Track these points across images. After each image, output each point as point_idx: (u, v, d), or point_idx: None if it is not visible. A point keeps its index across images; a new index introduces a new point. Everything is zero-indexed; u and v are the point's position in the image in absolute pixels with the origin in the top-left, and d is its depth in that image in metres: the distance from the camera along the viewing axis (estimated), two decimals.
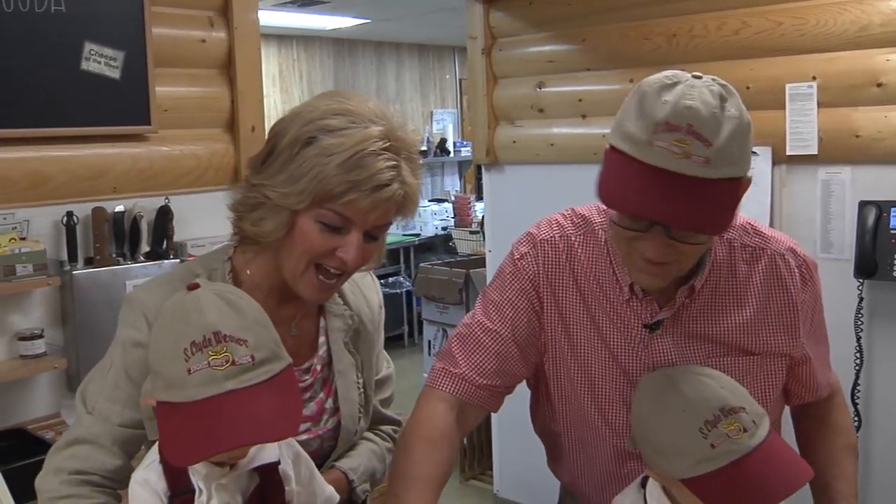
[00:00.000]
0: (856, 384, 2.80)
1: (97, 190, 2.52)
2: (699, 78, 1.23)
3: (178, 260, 2.61)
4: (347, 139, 1.23)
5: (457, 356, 1.46)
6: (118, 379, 1.34)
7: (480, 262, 5.08)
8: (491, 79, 3.90)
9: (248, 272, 1.39)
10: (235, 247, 1.40)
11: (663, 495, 1.34)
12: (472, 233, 7.10)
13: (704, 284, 1.41)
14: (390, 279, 7.22)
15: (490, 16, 3.83)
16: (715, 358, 1.41)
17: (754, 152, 2.97)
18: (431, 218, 7.55)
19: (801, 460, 1.28)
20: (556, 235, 1.48)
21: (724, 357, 1.41)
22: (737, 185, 1.22)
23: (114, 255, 2.53)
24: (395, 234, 7.55)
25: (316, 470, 1.35)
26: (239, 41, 2.77)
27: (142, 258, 2.58)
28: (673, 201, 1.17)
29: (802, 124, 2.93)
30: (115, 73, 2.48)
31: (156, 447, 1.24)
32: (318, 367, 1.45)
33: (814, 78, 2.89)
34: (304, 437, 1.41)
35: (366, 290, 1.56)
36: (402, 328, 7.23)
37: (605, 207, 1.46)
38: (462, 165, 9.17)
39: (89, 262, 2.50)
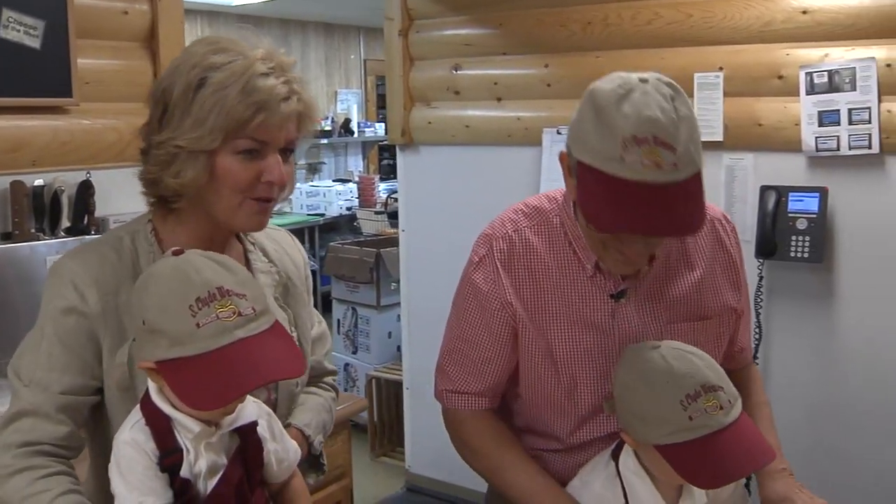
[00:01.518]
0: (754, 358, 2.99)
1: (16, 163, 2.44)
2: (646, 82, 1.32)
3: (99, 236, 2.56)
4: (236, 68, 1.28)
5: (452, 376, 1.63)
6: (52, 348, 1.34)
7: (389, 241, 5.14)
8: (407, 60, 3.93)
9: (170, 233, 1.41)
10: (155, 211, 1.42)
11: (639, 466, 1.43)
12: (376, 213, 7.13)
13: (658, 254, 1.53)
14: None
15: None
16: (674, 323, 1.54)
17: None
18: (336, 198, 7.53)
19: (765, 442, 1.39)
20: (510, 230, 1.58)
21: (682, 322, 1.55)
22: (701, 177, 1.33)
23: (33, 231, 2.47)
24: (299, 213, 7.53)
25: (283, 428, 1.39)
26: (162, 14, 2.72)
27: (62, 233, 2.52)
28: (655, 213, 1.28)
29: (709, 112, 3.09)
30: (35, 43, 2.41)
31: (137, 409, 1.26)
32: None
33: (720, 68, 3.04)
34: None
35: (288, 248, 1.62)
36: None
37: (553, 195, 1.59)
38: (366, 146, 9.17)
39: (7, 238, 2.43)
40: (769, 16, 2.93)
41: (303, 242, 7.26)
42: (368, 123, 8.96)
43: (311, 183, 8.06)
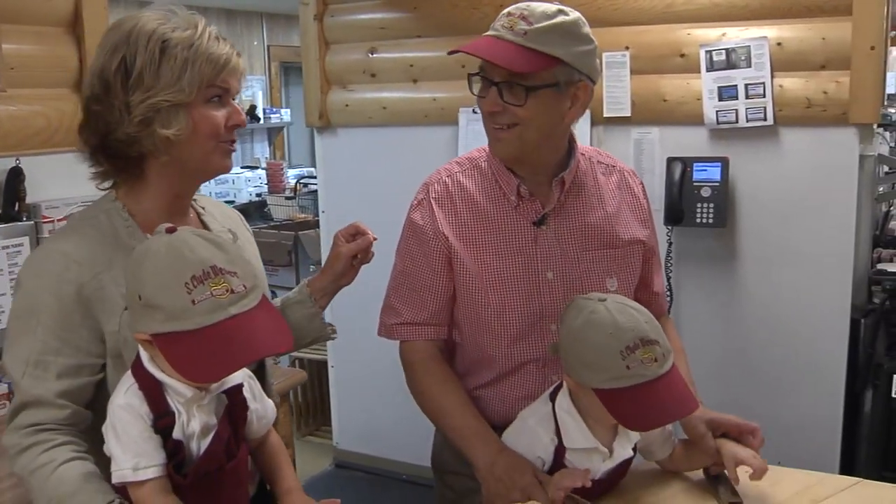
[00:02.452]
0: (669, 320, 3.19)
1: None
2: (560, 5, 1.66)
3: (31, 223, 2.56)
4: (192, 32, 1.44)
5: (399, 308, 1.83)
6: (46, 334, 1.40)
7: (303, 225, 5.19)
8: (323, 44, 3.98)
9: (139, 204, 1.51)
10: (116, 189, 1.52)
11: (572, 406, 1.57)
12: (287, 199, 7.13)
13: (573, 186, 1.76)
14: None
15: None
16: (589, 250, 1.76)
17: None
18: (245, 185, 7.49)
19: (691, 393, 1.54)
20: (444, 176, 1.83)
21: (596, 250, 1.77)
22: (551, 61, 1.60)
23: None
24: None
25: (261, 388, 1.48)
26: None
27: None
28: (491, 48, 1.60)
29: (617, 89, 3.27)
30: None
31: (128, 375, 1.33)
32: None
33: (627, 48, 3.23)
34: None
35: (226, 210, 1.78)
36: None
37: (484, 147, 1.80)
38: (272, 132, 9.13)
39: None
40: None
41: None
42: (274, 109, 8.91)
43: None
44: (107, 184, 1.53)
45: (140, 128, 1.42)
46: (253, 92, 8.93)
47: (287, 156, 9.43)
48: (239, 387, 1.40)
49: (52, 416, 1.39)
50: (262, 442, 1.50)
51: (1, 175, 2.53)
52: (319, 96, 4.01)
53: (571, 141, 1.79)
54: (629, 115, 3.26)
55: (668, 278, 3.18)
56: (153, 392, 1.31)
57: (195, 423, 1.32)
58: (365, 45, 3.87)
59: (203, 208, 1.67)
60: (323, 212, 4.20)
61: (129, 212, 1.50)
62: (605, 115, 3.30)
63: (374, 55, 3.86)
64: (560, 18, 1.62)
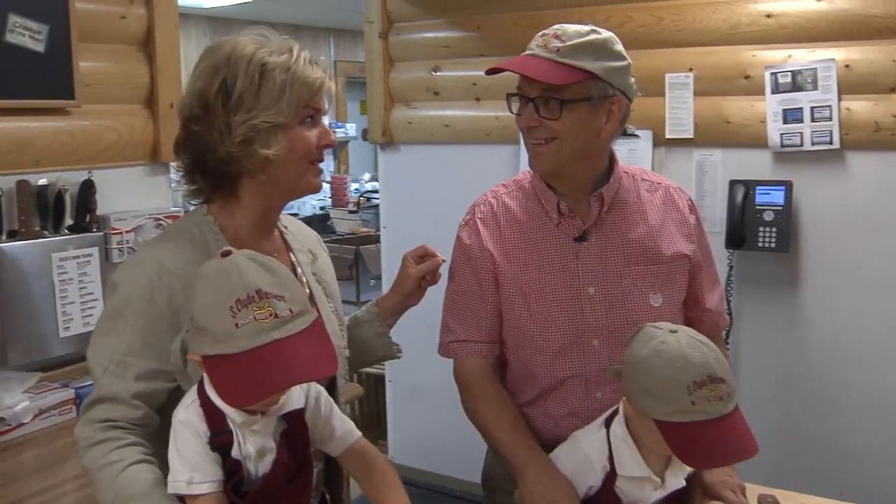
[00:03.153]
0: (725, 343, 3.14)
1: (19, 163, 2.51)
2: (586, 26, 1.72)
3: (101, 233, 2.65)
4: (288, 56, 1.50)
5: (452, 326, 1.88)
6: (132, 336, 1.45)
7: (365, 240, 5.25)
8: (387, 62, 4.04)
9: (230, 220, 1.56)
10: (208, 204, 1.58)
11: (628, 434, 1.56)
12: (350, 212, 7.22)
13: (615, 202, 1.78)
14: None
15: (387, 1, 3.97)
16: (632, 266, 1.77)
17: (634, 133, 3.27)
18: (309, 198, 7.61)
19: (751, 436, 1.50)
20: (490, 197, 1.90)
21: (639, 265, 1.78)
22: (584, 75, 1.64)
23: (38, 229, 2.54)
24: None
25: (335, 407, 1.50)
26: (158, 19, 2.80)
27: (66, 231, 2.60)
28: (529, 66, 1.66)
29: (680, 111, 3.24)
30: (39, 47, 2.48)
31: (194, 390, 1.36)
32: (307, 291, 1.64)
33: (690, 69, 3.20)
34: None
35: (303, 228, 1.83)
36: None
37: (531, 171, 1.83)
38: (337, 146, 9.23)
39: (14, 235, 2.50)
40: (736, 19, 3.09)
41: None
42: (339, 124, 9.03)
43: None
44: (198, 199, 1.60)
45: (241, 147, 1.48)
46: None
47: (350, 169, 9.54)
48: (299, 411, 1.41)
49: (125, 415, 1.44)
50: (349, 452, 1.50)
51: (73, 187, 2.62)
52: (383, 113, 4.06)
53: (612, 159, 1.82)
54: (692, 136, 3.23)
55: (728, 302, 3.13)
56: (213, 410, 1.33)
57: (250, 445, 1.34)
58: (429, 63, 3.92)
59: (286, 227, 1.72)
60: (384, 227, 4.25)
61: (220, 226, 1.56)
62: (667, 137, 3.27)
63: (438, 73, 3.90)
64: (592, 37, 1.68)
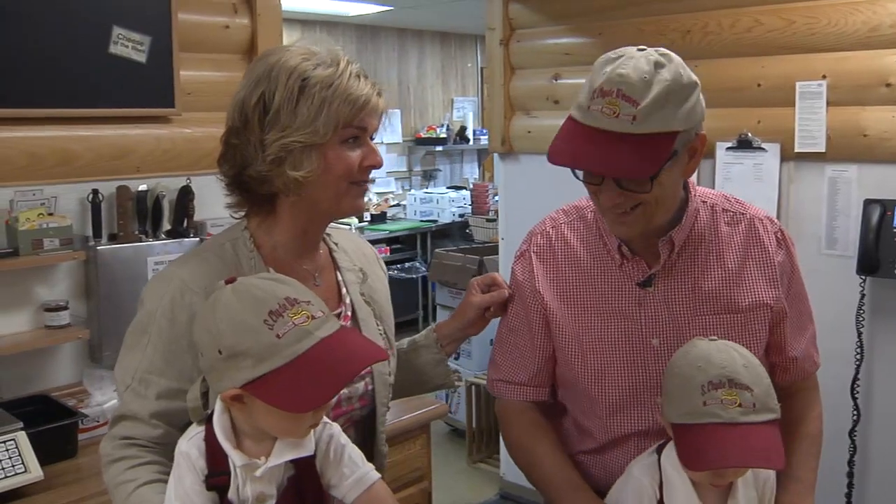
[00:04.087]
0: (855, 379, 2.86)
1: (121, 169, 2.60)
2: (643, 50, 1.41)
3: (197, 238, 2.70)
4: (333, 70, 1.41)
5: (500, 364, 1.73)
6: (154, 353, 1.41)
7: (495, 248, 5.15)
8: (508, 69, 3.96)
9: (268, 237, 1.50)
10: (248, 218, 1.52)
11: (677, 460, 1.43)
12: (488, 220, 7.15)
13: (688, 242, 1.56)
14: (406, 264, 7.30)
15: (509, 7, 3.89)
16: (703, 315, 1.56)
17: (760, 147, 3.03)
18: (449, 205, 7.62)
19: (774, 451, 1.35)
20: (548, 227, 1.69)
21: (711, 315, 1.56)
22: (670, 138, 1.38)
23: (136, 233, 2.62)
24: (412, 219, 7.65)
25: (349, 449, 1.38)
26: (262, 27, 2.84)
27: (163, 236, 2.67)
28: (603, 153, 1.36)
29: (811, 122, 2.98)
30: (141, 57, 2.56)
31: (193, 427, 1.31)
32: (348, 314, 1.58)
33: (824, 77, 2.94)
34: None
35: (360, 245, 1.73)
36: (416, 312, 7.32)
37: None
38: (481, 153, 9.22)
39: (113, 238, 2.59)
40: (876, 20, 2.81)
41: (414, 248, 7.42)
42: (484, 130, 8.99)
43: (425, 190, 8.18)
44: (241, 212, 1.55)
45: (271, 167, 1.41)
46: (464, 113, 9.07)
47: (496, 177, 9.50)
48: (309, 459, 1.32)
49: (144, 433, 1.42)
50: (366, 497, 1.40)
51: (172, 193, 2.68)
52: (503, 122, 3.98)
53: (687, 189, 1.59)
54: (824, 150, 2.96)
55: (860, 334, 2.84)
56: (216, 447, 1.28)
57: (249, 490, 1.28)
58: (549, 70, 3.80)
59: (336, 244, 1.65)
60: (503, 239, 4.16)
61: (257, 243, 1.50)
62: (796, 151, 3.02)
63: (558, 81, 3.78)
64: (662, 77, 1.35)
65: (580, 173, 1.45)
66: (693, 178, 1.62)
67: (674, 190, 1.50)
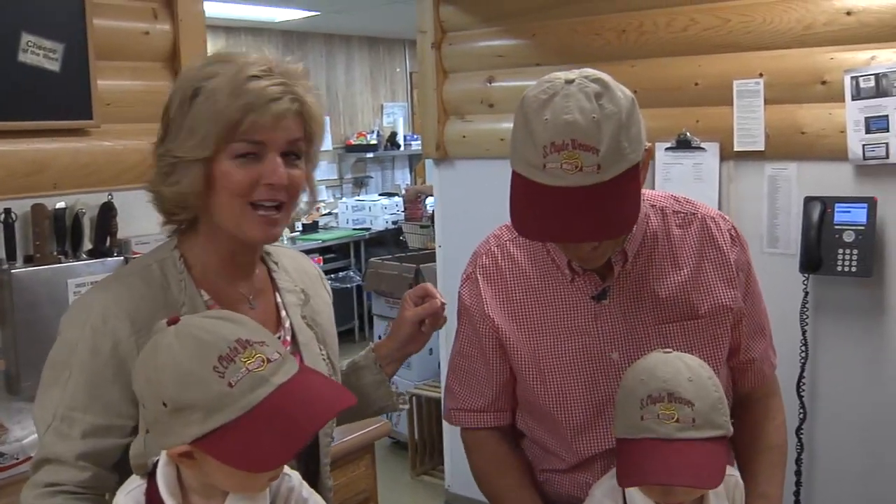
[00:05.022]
0: (801, 377, 2.85)
1: (37, 186, 2.42)
2: (571, 82, 1.28)
3: (121, 258, 2.54)
4: (227, 75, 1.27)
5: (456, 392, 1.65)
6: (76, 388, 1.29)
7: (431, 256, 5.07)
8: (441, 73, 3.87)
9: (197, 257, 1.39)
10: (179, 237, 1.41)
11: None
12: (422, 227, 7.07)
13: (641, 250, 1.50)
14: (340, 273, 7.16)
15: (440, 10, 3.81)
16: (662, 324, 1.49)
17: (699, 146, 3.00)
18: (382, 212, 7.51)
19: (712, 470, 1.29)
20: (493, 246, 1.60)
21: (670, 323, 1.50)
22: (635, 172, 1.30)
23: (55, 253, 2.45)
24: (344, 228, 7.52)
25: (311, 492, 1.30)
26: (184, 33, 2.70)
27: (84, 256, 2.50)
28: (577, 217, 1.26)
29: (749, 121, 2.97)
30: (54, 66, 2.40)
31: (133, 478, 1.19)
32: (287, 338, 1.47)
33: (760, 75, 2.93)
34: None
35: (304, 264, 1.63)
36: (352, 322, 7.19)
37: None
38: (413, 159, 9.14)
39: (29, 261, 2.42)
40: (811, 18, 2.81)
41: (348, 257, 7.29)
42: (415, 136, 8.91)
43: (357, 197, 8.05)
44: (171, 230, 1.43)
45: (158, 182, 1.33)
46: (394, 118, 8.98)
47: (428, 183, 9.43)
48: None
49: (71, 477, 1.28)
50: None
51: (93, 210, 2.52)
52: (437, 127, 3.89)
53: None
54: (763, 149, 2.95)
55: (804, 333, 2.83)
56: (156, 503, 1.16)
57: None
58: (483, 73, 3.73)
59: (276, 264, 1.53)
60: (440, 246, 4.08)
61: (187, 263, 1.39)
62: (735, 149, 3.00)
63: (492, 84, 3.71)
64: (608, 111, 1.25)
65: None
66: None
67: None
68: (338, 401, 1.16)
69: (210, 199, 1.32)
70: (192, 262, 1.39)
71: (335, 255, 7.29)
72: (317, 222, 7.46)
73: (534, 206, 1.29)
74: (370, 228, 7.47)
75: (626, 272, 1.50)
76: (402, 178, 9.12)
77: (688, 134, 3.09)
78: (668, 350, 1.40)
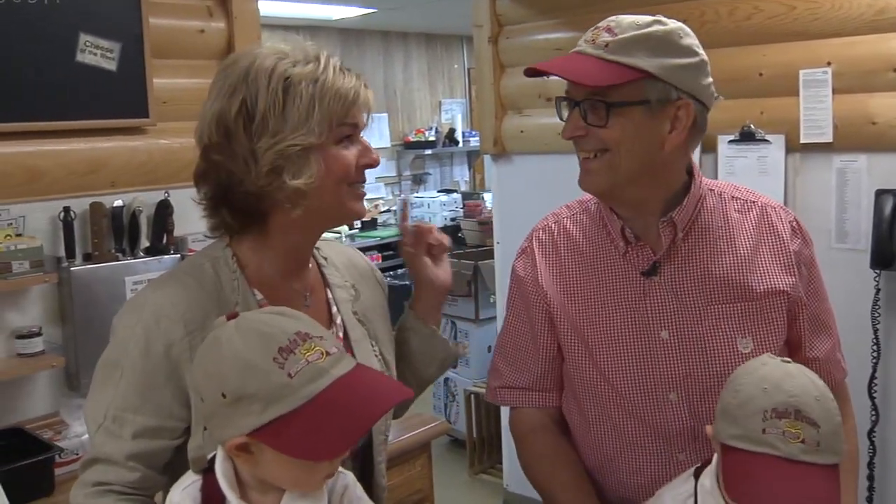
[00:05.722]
0: (873, 378, 2.74)
1: (94, 184, 2.46)
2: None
3: (178, 255, 2.56)
4: (314, 66, 1.30)
5: (502, 369, 1.64)
6: (127, 388, 1.28)
7: (489, 252, 5.02)
8: (498, 67, 3.83)
9: (254, 255, 1.37)
10: (231, 238, 1.39)
11: (716, 487, 1.31)
12: (480, 224, 7.03)
13: (694, 227, 1.48)
14: (399, 271, 7.17)
15: (496, 3, 3.76)
16: (715, 304, 1.46)
17: (764, 139, 2.91)
18: (440, 209, 7.49)
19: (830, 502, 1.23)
20: (551, 222, 1.63)
21: (723, 304, 1.46)
22: (635, 73, 1.35)
23: (113, 251, 2.48)
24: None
25: (363, 494, 1.29)
26: (238, 31, 2.71)
27: (141, 253, 2.53)
28: (569, 65, 1.41)
29: (817, 111, 2.86)
30: (111, 65, 2.43)
31: (188, 475, 1.19)
32: (340, 335, 1.46)
33: (828, 63, 2.81)
34: None
35: (353, 259, 1.61)
36: None
37: None
38: (471, 155, 9.10)
39: (87, 259, 2.45)
40: (883, 2, 2.68)
41: None
42: (473, 132, 8.87)
43: (415, 194, 8.04)
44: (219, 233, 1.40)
45: (270, 178, 1.28)
46: (452, 115, 8.94)
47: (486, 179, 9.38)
48: None
49: (120, 477, 1.28)
50: None
51: (150, 208, 2.54)
52: (494, 122, 3.85)
53: (692, 174, 1.50)
54: (831, 140, 2.84)
55: (875, 330, 2.72)
56: (214, 499, 1.15)
57: None
58: None
59: (326, 259, 1.52)
60: (498, 243, 4.04)
61: (240, 262, 1.37)
62: (801, 142, 2.89)
63: (550, 78, 3.63)
64: (653, 28, 1.38)
65: (564, 112, 1.46)
66: (699, 169, 1.53)
67: (645, 149, 1.40)
68: (395, 393, 1.16)
69: (312, 190, 1.30)
70: (244, 261, 1.37)
71: (393, 252, 7.29)
72: (375, 219, 7.47)
73: (553, 60, 1.45)
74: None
75: (678, 248, 1.48)
76: (461, 174, 9.08)
77: (752, 126, 2.99)
78: (786, 359, 1.32)
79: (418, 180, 8.65)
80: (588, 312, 1.52)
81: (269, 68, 1.28)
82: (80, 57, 2.38)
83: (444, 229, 6.19)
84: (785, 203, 2.93)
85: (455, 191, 8.14)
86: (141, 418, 1.28)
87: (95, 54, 2.40)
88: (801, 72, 2.86)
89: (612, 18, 1.42)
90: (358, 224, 7.27)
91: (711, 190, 1.53)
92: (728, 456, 1.27)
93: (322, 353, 1.08)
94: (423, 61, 8.72)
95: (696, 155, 3.17)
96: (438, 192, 8.14)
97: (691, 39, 1.41)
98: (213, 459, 1.17)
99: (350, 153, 1.33)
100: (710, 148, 3.09)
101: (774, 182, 2.95)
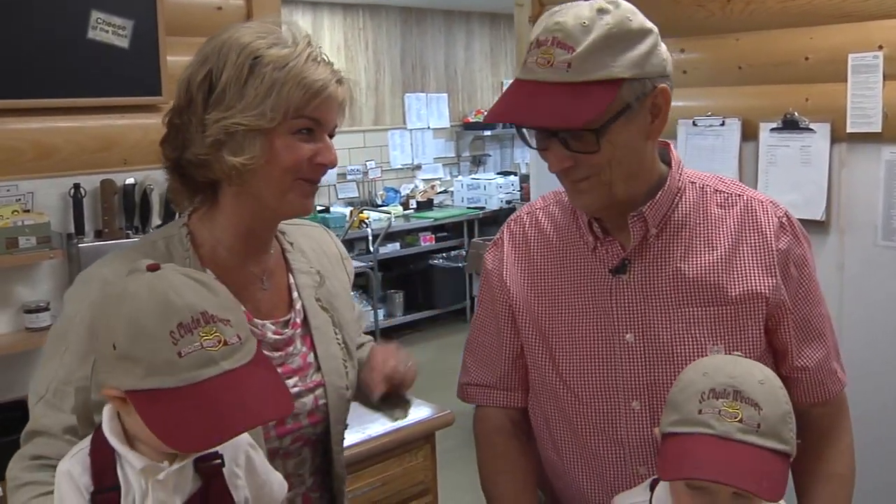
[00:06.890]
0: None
1: (106, 162, 2.46)
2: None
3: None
4: (289, 51, 1.29)
5: (469, 366, 1.58)
6: (72, 362, 1.28)
7: None
8: None
9: (209, 233, 1.38)
10: (190, 214, 1.40)
11: (670, 500, 1.25)
12: None
13: (669, 223, 1.38)
14: (452, 252, 7.12)
15: None
16: (686, 307, 1.35)
17: (807, 127, 2.75)
18: (496, 191, 7.41)
19: (769, 479, 1.15)
20: (524, 213, 1.56)
21: (695, 307, 1.35)
22: (611, 86, 1.23)
23: (123, 229, 2.48)
24: (459, 206, 7.46)
25: (265, 461, 1.28)
26: (258, 8, 2.67)
27: (152, 231, 2.53)
28: (533, 104, 1.25)
29: (866, 99, 2.69)
30: (123, 43, 2.41)
31: (88, 437, 1.18)
32: (298, 321, 1.46)
33: (880, 47, 2.64)
34: (295, 390, 1.40)
35: (324, 245, 1.59)
36: (463, 302, 7.14)
37: None
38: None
39: (98, 236, 2.46)
40: None
41: (461, 236, 7.21)
42: None
43: (472, 176, 7.96)
44: (185, 208, 1.41)
45: (210, 150, 1.29)
46: None
47: None
48: (216, 466, 1.17)
49: (58, 451, 1.25)
50: None
51: (161, 186, 2.52)
52: None
53: (669, 164, 1.40)
54: (880, 130, 2.66)
55: None
56: (103, 461, 1.14)
57: (150, 500, 1.12)
58: None
59: (292, 244, 1.51)
60: None
61: (196, 241, 1.38)
62: (849, 131, 2.72)
63: None
64: (603, 22, 1.23)
65: (531, 139, 1.33)
66: (681, 159, 1.42)
67: (634, 153, 1.31)
68: (272, 409, 1.13)
69: (257, 172, 1.30)
70: (200, 240, 1.38)
71: (447, 234, 7.24)
72: (431, 200, 7.43)
73: (505, 97, 1.30)
74: (484, 207, 7.38)
75: (649, 245, 1.38)
76: (522, 156, 8.96)
77: (795, 114, 2.83)
78: (736, 353, 1.26)
79: (477, 161, 8.56)
80: (552, 310, 1.44)
81: (242, 45, 1.29)
82: (91, 34, 2.37)
83: (500, 212, 6.05)
84: (828, 197, 2.78)
85: (514, 173, 8.03)
86: (81, 394, 1.26)
87: (107, 31, 2.38)
88: (850, 56, 2.68)
89: (555, 24, 1.25)
90: (413, 204, 7.24)
91: (693, 182, 1.42)
92: (665, 444, 1.21)
93: (219, 341, 1.07)
94: (486, 41, 8.60)
95: (736, 142, 3.04)
96: (497, 174, 8.04)
97: (637, 15, 1.29)
98: (99, 423, 1.17)
99: (305, 147, 1.31)
100: (751, 135, 2.94)
101: (818, 174, 2.79)
